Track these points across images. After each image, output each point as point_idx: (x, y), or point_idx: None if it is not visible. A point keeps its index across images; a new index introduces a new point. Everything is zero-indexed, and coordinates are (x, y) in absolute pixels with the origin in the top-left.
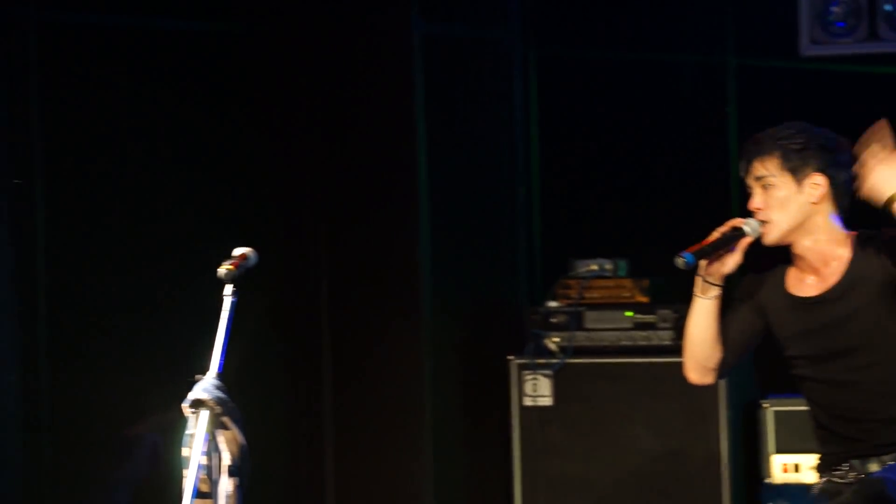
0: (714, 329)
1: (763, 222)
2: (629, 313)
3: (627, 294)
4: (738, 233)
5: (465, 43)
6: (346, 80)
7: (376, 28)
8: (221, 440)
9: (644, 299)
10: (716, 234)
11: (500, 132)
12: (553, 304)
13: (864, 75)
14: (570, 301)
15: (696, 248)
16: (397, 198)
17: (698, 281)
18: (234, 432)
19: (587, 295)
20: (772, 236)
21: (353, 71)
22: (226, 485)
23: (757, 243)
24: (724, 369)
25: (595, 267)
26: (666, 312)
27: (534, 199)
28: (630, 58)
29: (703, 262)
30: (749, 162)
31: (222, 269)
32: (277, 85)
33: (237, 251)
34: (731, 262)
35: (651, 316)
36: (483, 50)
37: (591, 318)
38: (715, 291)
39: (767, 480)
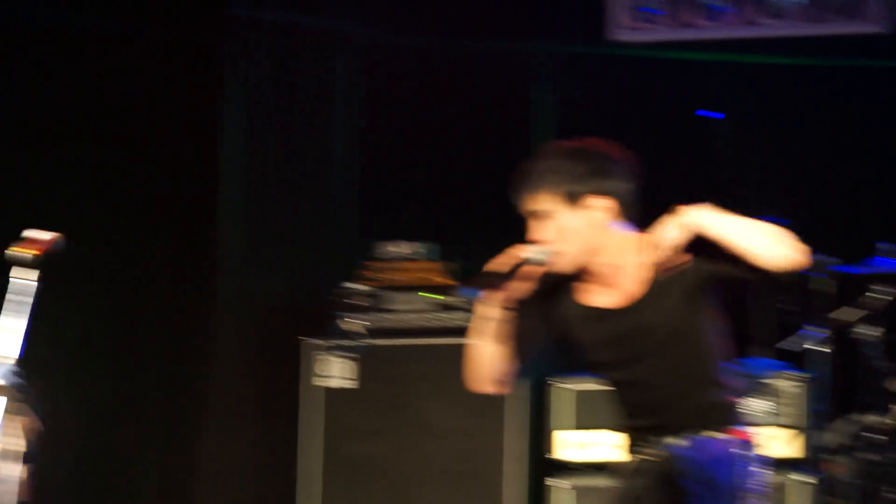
0: (504, 347)
1: (550, 252)
2: (427, 294)
3: (435, 276)
4: (521, 264)
5: (286, 28)
6: (160, 62)
7: (191, 11)
8: (17, 426)
9: (451, 282)
10: (499, 265)
11: (320, 119)
12: (354, 285)
13: (675, 61)
14: (372, 283)
15: (478, 281)
16: (200, 185)
17: (486, 306)
18: (31, 419)
19: (396, 277)
20: (567, 267)
21: (166, 54)
22: (18, 471)
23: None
24: (514, 377)
25: (401, 249)
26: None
27: (351, 186)
28: (447, 45)
29: (488, 293)
30: (524, 195)
31: (23, 253)
32: (90, 74)
33: (42, 235)
34: (520, 288)
35: (456, 298)
36: (305, 36)
37: (396, 300)
38: (505, 314)
39: (548, 456)
